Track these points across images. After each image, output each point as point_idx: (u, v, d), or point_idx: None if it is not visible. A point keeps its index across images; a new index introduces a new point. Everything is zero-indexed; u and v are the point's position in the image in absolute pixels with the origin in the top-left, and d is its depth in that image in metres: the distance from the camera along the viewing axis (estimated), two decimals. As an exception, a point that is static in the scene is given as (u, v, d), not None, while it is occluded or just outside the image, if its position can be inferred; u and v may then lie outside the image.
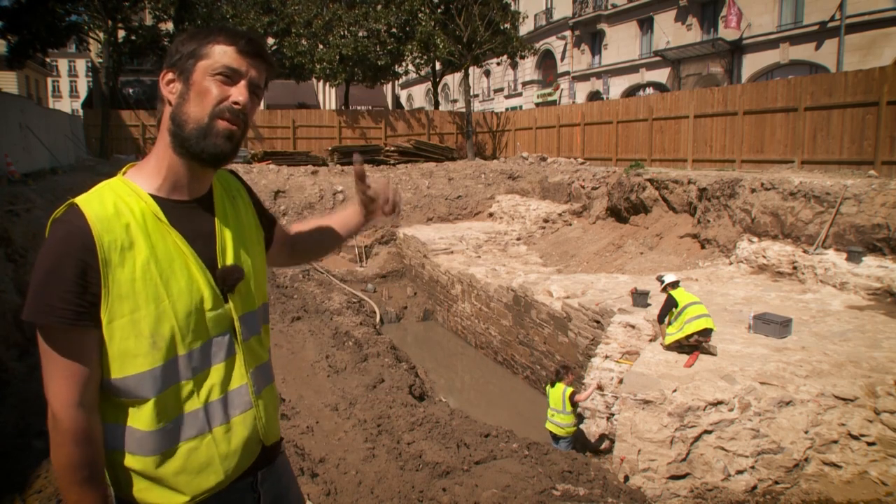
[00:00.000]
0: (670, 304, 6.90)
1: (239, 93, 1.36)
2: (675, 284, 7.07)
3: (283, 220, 18.39)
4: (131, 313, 1.28)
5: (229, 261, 1.44)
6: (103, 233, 1.25)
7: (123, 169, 1.42)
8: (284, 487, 1.64)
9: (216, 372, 1.41)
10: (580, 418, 7.48)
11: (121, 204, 1.31)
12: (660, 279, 7.32)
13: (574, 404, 7.41)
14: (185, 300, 1.34)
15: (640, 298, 8.62)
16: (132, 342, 1.29)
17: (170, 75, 1.37)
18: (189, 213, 1.40)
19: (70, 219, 1.26)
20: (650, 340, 7.69)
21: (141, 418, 1.32)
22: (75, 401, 1.26)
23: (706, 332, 6.67)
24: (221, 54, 1.35)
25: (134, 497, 1.36)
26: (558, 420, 7.53)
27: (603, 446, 6.87)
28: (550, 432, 7.62)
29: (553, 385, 7.69)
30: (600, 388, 7.27)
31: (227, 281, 1.42)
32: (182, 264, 1.35)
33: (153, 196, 1.35)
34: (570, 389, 7.49)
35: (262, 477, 1.54)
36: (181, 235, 1.36)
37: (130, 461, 1.34)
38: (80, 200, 1.29)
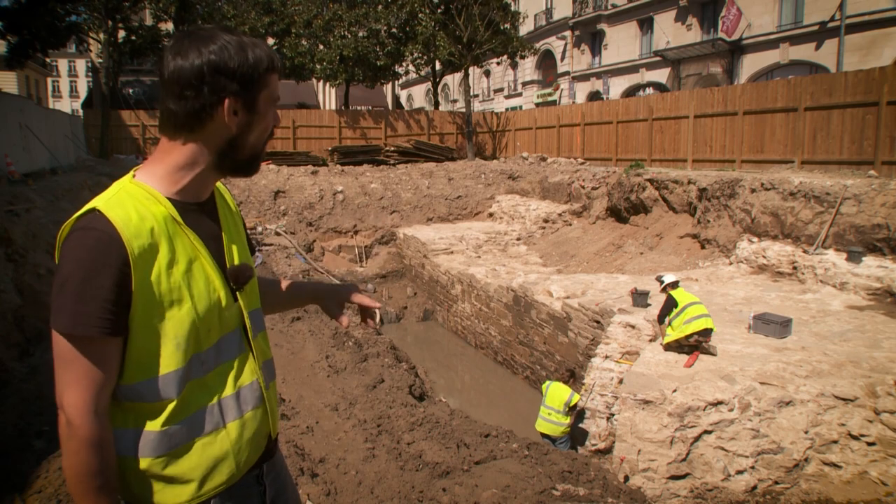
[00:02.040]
0: (670, 304, 6.89)
1: (276, 115, 1.44)
2: (674, 285, 7.06)
3: (283, 221, 18.39)
4: (158, 317, 1.30)
5: (236, 260, 1.47)
6: (132, 239, 1.25)
7: (132, 171, 1.41)
8: (283, 482, 1.67)
9: (230, 368, 1.44)
10: (579, 418, 7.46)
11: (141, 208, 1.31)
12: (659, 279, 7.31)
13: (571, 410, 7.38)
14: (205, 300, 1.37)
15: (639, 298, 8.62)
16: (159, 344, 1.30)
17: (235, 106, 1.34)
18: (198, 215, 1.42)
19: (97, 226, 1.24)
20: (650, 340, 7.69)
21: (160, 418, 1.33)
22: (92, 408, 1.25)
23: (706, 333, 6.67)
24: (275, 83, 1.40)
25: (149, 499, 1.36)
26: (555, 420, 7.48)
27: (602, 446, 6.87)
28: (544, 434, 7.52)
29: (560, 383, 7.62)
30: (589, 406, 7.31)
31: (238, 279, 1.46)
32: (199, 265, 1.37)
33: (170, 199, 1.37)
34: (576, 397, 7.41)
35: (267, 470, 1.58)
36: (197, 236, 1.38)
37: (143, 464, 1.34)
38: (102, 206, 1.27)
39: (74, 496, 1.29)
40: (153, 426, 1.33)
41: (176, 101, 1.32)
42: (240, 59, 1.32)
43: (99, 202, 1.29)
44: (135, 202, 1.31)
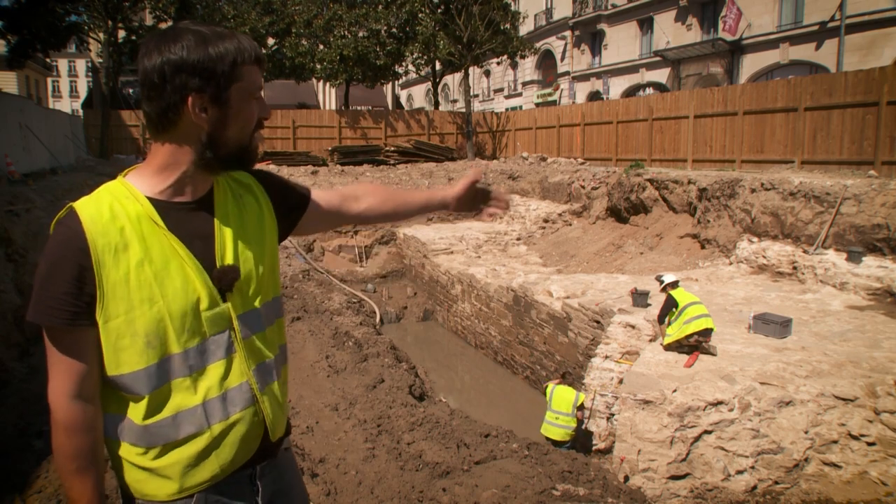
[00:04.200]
0: (670, 304, 6.88)
1: (263, 107, 1.42)
2: (674, 284, 7.05)
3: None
4: (126, 314, 1.32)
5: (228, 260, 1.44)
6: (97, 235, 1.29)
7: (125, 171, 1.43)
8: (287, 484, 1.65)
9: (214, 370, 1.42)
10: (580, 423, 7.44)
11: (117, 206, 1.33)
12: (659, 279, 7.29)
13: (578, 411, 7.35)
14: (181, 301, 1.36)
15: (640, 298, 8.61)
16: (127, 341, 1.33)
17: (201, 102, 1.32)
18: (188, 214, 1.40)
19: (66, 222, 1.30)
20: (650, 340, 7.69)
21: (137, 412, 1.37)
22: (69, 393, 1.33)
23: (706, 332, 6.67)
24: (251, 74, 1.37)
25: (135, 487, 1.41)
26: (563, 423, 7.40)
27: (602, 446, 6.87)
28: (551, 439, 7.43)
29: (564, 386, 7.59)
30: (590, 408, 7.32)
31: (223, 281, 1.43)
32: (178, 265, 1.36)
33: (151, 199, 1.36)
34: (582, 396, 7.36)
35: (262, 471, 1.56)
36: (176, 237, 1.37)
37: (126, 450, 1.39)
38: (78, 204, 1.33)
39: (59, 476, 1.40)
40: (135, 418, 1.37)
41: (147, 103, 1.34)
42: (199, 55, 1.30)
43: (78, 200, 1.34)
44: (112, 200, 1.34)
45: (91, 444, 1.35)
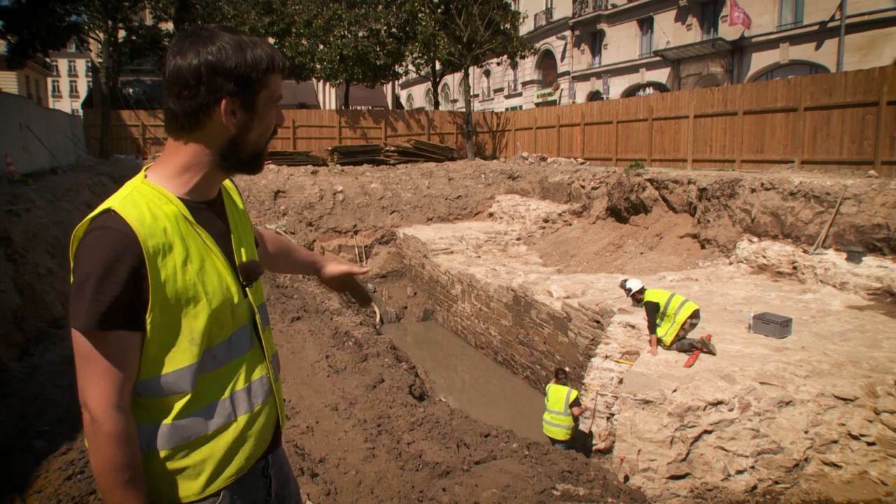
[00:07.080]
0: (653, 309, 6.97)
1: (279, 114, 1.45)
2: (642, 291, 7.23)
3: (283, 221, 18.40)
4: (174, 313, 1.33)
5: (244, 257, 1.51)
6: (147, 238, 1.28)
7: (142, 172, 1.43)
8: (286, 475, 1.71)
9: (241, 362, 1.48)
10: (577, 421, 7.47)
11: (154, 208, 1.33)
12: (625, 287, 7.42)
13: (573, 407, 7.39)
14: (219, 296, 1.40)
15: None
16: (174, 340, 1.34)
17: (233, 106, 1.35)
18: (208, 213, 1.45)
19: (114, 225, 1.27)
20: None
21: (172, 412, 1.36)
22: (115, 403, 1.28)
23: (697, 314, 6.85)
24: (276, 83, 1.40)
25: (161, 493, 1.39)
26: (560, 422, 7.47)
27: (602, 446, 6.87)
28: (553, 438, 7.51)
29: (557, 384, 7.65)
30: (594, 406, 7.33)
31: (249, 276, 1.49)
32: (212, 263, 1.41)
33: (180, 199, 1.39)
34: (574, 394, 7.43)
35: (272, 462, 1.61)
36: (209, 235, 1.41)
37: (155, 458, 1.37)
38: (117, 206, 1.30)
39: (103, 491, 1.31)
40: (166, 420, 1.36)
41: (175, 101, 1.33)
42: (237, 60, 1.32)
43: (114, 202, 1.31)
44: (148, 202, 1.34)
45: (136, 452, 1.32)
